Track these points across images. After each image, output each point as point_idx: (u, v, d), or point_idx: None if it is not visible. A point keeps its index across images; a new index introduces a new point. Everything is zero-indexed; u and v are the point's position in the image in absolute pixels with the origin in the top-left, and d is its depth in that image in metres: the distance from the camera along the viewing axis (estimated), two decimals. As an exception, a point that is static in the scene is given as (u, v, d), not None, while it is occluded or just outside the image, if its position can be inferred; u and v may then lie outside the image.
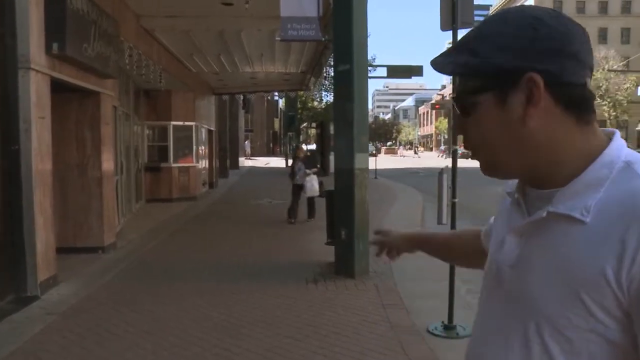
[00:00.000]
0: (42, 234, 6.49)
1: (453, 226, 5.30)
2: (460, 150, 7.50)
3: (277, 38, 8.97)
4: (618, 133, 1.03)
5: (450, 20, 5.06)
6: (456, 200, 5.23)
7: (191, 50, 13.55)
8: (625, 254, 0.88)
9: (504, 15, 1.01)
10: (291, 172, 12.61)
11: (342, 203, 7.29)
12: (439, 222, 5.50)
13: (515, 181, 1.12)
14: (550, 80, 0.94)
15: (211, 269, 7.81)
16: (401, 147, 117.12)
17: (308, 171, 12.09)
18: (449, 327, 5.26)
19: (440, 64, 1.06)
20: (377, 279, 7.12)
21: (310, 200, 12.18)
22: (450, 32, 5.12)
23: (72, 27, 6.81)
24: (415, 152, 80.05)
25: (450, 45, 1.12)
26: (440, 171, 5.27)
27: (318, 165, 12.62)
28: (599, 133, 1.01)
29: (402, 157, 72.52)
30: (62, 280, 6.91)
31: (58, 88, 7.26)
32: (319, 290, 6.70)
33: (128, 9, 10.17)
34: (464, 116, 1.05)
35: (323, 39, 8.78)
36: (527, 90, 0.95)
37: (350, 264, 7.16)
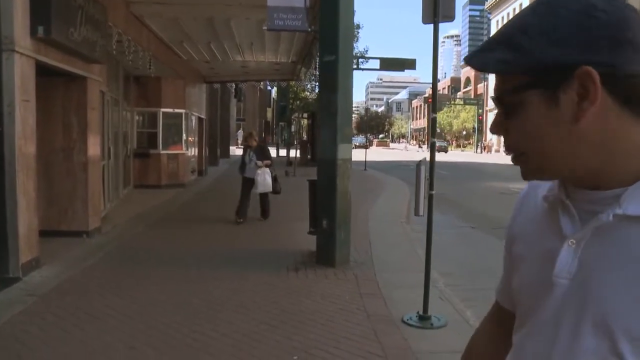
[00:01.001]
0: (25, 216, 6.53)
1: (430, 218, 5.39)
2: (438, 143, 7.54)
3: (263, 27, 8.99)
4: None
5: (431, 14, 5.12)
6: (433, 192, 5.30)
7: (181, 37, 13.54)
8: None
9: (551, 2, 0.90)
10: (241, 163, 11.08)
11: (325, 193, 7.35)
12: (416, 213, 5.57)
13: (550, 183, 1.02)
14: (607, 73, 0.85)
15: (195, 255, 7.87)
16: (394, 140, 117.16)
17: (259, 163, 10.60)
18: (423, 318, 5.34)
19: (479, 61, 0.94)
20: (357, 268, 7.20)
21: (263, 197, 10.93)
22: (447, 27, 5.18)
23: (58, 10, 6.82)
24: (407, 149, 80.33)
25: (486, 39, 0.98)
26: (418, 163, 5.33)
27: (271, 158, 11.07)
28: None
29: (392, 150, 72.73)
30: (45, 263, 6.96)
31: (44, 72, 7.27)
32: (299, 278, 6.78)
33: (117, -5, 10.15)
34: (508, 117, 0.94)
35: (309, 29, 8.82)
36: (580, 87, 0.86)
37: (331, 253, 7.24)
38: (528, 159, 0.94)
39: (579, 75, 0.85)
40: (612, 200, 0.89)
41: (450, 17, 5.11)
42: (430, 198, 5.32)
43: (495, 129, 0.97)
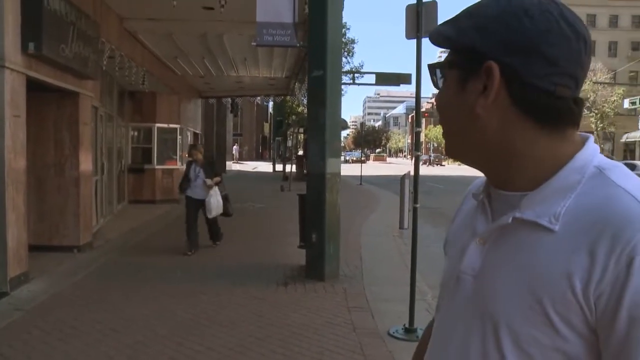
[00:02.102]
0: (14, 231, 6.54)
1: (415, 231, 5.42)
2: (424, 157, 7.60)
3: (252, 43, 9.09)
4: (592, 138, 0.97)
5: (414, 29, 5.19)
6: (418, 205, 5.34)
7: (175, 53, 13.64)
8: (595, 267, 0.81)
9: None
10: (183, 179, 9.28)
11: (314, 207, 7.39)
12: (401, 226, 5.61)
13: (482, 182, 1.06)
14: (510, 76, 0.88)
15: (185, 270, 7.88)
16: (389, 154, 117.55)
17: (208, 181, 8.96)
18: (410, 330, 5.36)
19: (433, 33, 0.98)
20: (346, 282, 7.21)
21: (213, 220, 9.33)
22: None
23: (49, 27, 6.89)
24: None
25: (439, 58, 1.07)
26: (402, 177, 5.37)
27: (221, 174, 9.56)
28: (574, 139, 0.94)
29: (389, 164, 72.91)
30: (34, 278, 6.96)
31: (36, 87, 7.33)
32: (287, 292, 6.79)
33: (111, 11, 10.25)
34: (434, 85, 1.02)
35: (298, 44, 8.90)
36: (484, 79, 0.89)
37: (320, 267, 7.26)
38: (444, 134, 1.01)
39: (485, 68, 0.89)
40: (517, 203, 0.92)
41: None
42: (414, 211, 5.36)
43: (436, 99, 1.03)
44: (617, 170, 0.90)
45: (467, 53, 0.91)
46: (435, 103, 1.01)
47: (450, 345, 1.00)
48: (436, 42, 0.98)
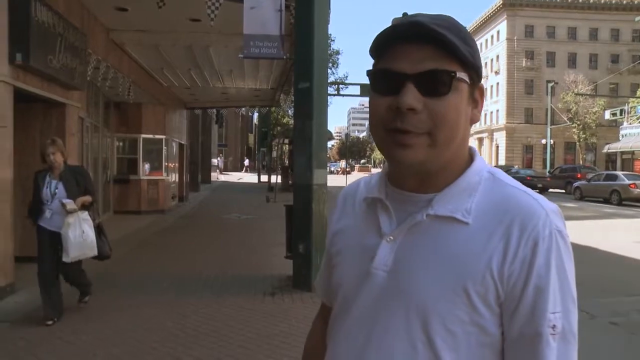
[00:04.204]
0: (0, 242, 6.52)
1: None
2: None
3: (239, 55, 9.15)
4: (475, 148, 1.17)
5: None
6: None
7: (161, 64, 13.67)
8: (509, 249, 0.99)
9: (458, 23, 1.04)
10: (33, 201, 5.91)
11: (300, 218, 7.44)
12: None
13: (375, 186, 1.16)
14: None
15: (172, 280, 7.87)
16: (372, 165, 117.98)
17: (69, 204, 5.67)
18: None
19: (438, 28, 0.98)
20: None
21: (74, 267, 6.02)
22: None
23: (36, 38, 6.91)
24: None
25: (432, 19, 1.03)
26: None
27: (93, 191, 6.20)
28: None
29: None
30: (20, 289, 6.93)
31: (23, 98, 7.34)
32: (275, 302, 6.82)
33: (97, 23, 10.27)
34: (429, 95, 0.99)
35: (285, 57, 8.99)
36: (478, 97, 1.09)
37: (307, 277, 7.30)
38: (431, 141, 1.00)
39: (479, 88, 1.09)
40: (426, 203, 1.07)
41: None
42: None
43: (414, 103, 0.98)
44: (502, 174, 1.10)
45: (476, 71, 1.06)
46: (416, 104, 0.98)
47: (370, 339, 1.07)
48: (453, 48, 0.99)
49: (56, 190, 5.81)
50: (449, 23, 1.02)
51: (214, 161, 37.22)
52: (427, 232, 1.05)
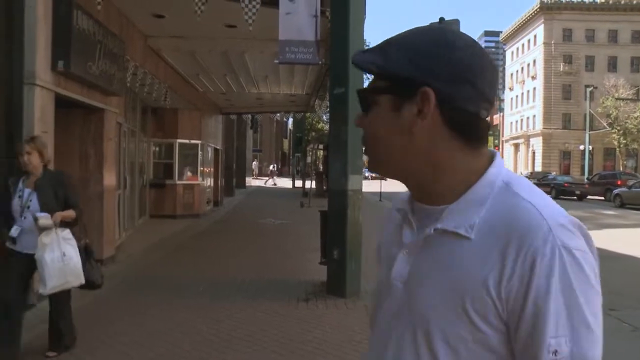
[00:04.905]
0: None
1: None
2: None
3: (275, 61, 9.19)
4: (498, 154, 1.09)
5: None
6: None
7: (197, 70, 13.83)
8: (506, 267, 0.94)
9: (426, 30, 1.07)
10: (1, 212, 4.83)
11: (335, 223, 7.41)
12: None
13: (405, 198, 1.17)
14: (442, 100, 1.00)
15: (207, 284, 7.92)
16: None
17: (42, 219, 4.56)
18: (431, 347, 5.32)
19: (358, 59, 1.08)
20: (367, 299, 7.20)
21: (55, 300, 4.97)
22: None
23: (77, 45, 7.05)
24: None
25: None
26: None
27: (78, 203, 4.99)
28: (485, 154, 1.07)
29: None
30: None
31: (63, 104, 7.49)
32: (309, 308, 6.80)
33: (135, 29, 10.45)
34: (363, 110, 1.09)
35: (320, 62, 8.99)
36: (419, 103, 1.00)
37: (341, 283, 7.27)
38: (370, 152, 1.10)
39: (421, 93, 1.01)
40: (439, 215, 1.04)
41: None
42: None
43: (358, 122, 1.10)
44: (520, 183, 1.03)
45: (401, 80, 1.02)
46: (360, 124, 1.10)
47: (387, 348, 1.10)
48: (364, 68, 1.07)
49: (30, 202, 4.68)
50: (386, 41, 1.08)
51: (254, 164, 37.30)
52: (435, 246, 1.04)
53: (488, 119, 1.07)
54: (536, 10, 64.00)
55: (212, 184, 20.39)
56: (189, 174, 17.09)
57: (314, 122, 38.75)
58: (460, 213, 1.01)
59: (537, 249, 0.93)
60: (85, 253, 4.99)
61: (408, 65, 1.01)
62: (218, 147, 21.47)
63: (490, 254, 0.96)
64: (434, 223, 1.04)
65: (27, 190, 4.73)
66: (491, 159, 1.07)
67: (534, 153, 65.72)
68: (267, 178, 49.75)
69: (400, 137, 1.03)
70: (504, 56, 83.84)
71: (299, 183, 32.67)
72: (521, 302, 0.94)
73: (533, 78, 66.17)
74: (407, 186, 1.12)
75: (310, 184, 25.95)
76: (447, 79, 1.00)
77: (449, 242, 1.01)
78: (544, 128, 62.94)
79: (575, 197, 32.41)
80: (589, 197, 32.77)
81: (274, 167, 53.34)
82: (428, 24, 5.45)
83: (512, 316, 0.95)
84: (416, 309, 1.04)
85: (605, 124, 52.65)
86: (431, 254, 1.04)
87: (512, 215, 0.97)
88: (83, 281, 4.89)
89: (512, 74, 76.25)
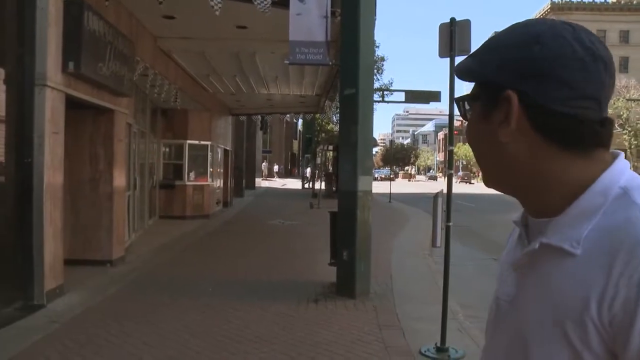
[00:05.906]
0: (51, 245, 6.68)
1: (447, 250, 5.38)
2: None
3: (285, 61, 9.18)
4: (622, 156, 0.96)
5: (447, 48, 5.21)
6: (450, 224, 5.31)
7: (207, 71, 13.85)
8: (608, 289, 0.81)
9: (514, 27, 0.97)
10: None
11: (345, 224, 7.39)
12: (433, 244, 5.58)
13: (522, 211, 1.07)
14: (528, 103, 0.89)
15: (216, 285, 7.92)
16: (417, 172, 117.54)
17: None
18: (441, 350, 5.30)
19: (458, 68, 1.03)
20: (377, 300, 7.18)
21: None
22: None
23: (88, 46, 7.07)
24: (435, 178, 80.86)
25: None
26: (435, 195, 5.36)
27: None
28: (603, 159, 0.93)
29: (417, 182, 72.81)
30: (69, 291, 7.08)
31: (73, 105, 7.51)
32: (318, 309, 6.78)
33: (145, 30, 10.47)
34: (462, 117, 1.04)
35: (330, 63, 8.97)
36: (504, 108, 0.91)
37: (351, 284, 7.24)
38: (478, 164, 1.03)
39: (503, 98, 0.91)
40: (545, 229, 0.94)
41: (466, 51, 5.17)
42: (447, 229, 5.33)
43: (466, 132, 1.05)
44: None
45: (488, 85, 0.94)
46: (466, 135, 1.04)
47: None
48: (462, 76, 1.01)
49: None
50: (483, 44, 1.01)
51: (264, 165, 37.22)
52: (540, 263, 0.94)
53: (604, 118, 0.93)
54: (547, 10, 63.68)
55: (221, 185, 20.41)
56: (192, 175, 17.09)
57: (323, 123, 38.69)
58: (566, 226, 0.90)
59: None
60: None
61: (495, 68, 0.93)
62: (228, 148, 21.50)
63: (594, 271, 0.84)
64: (538, 237, 0.94)
65: None
66: (611, 163, 0.93)
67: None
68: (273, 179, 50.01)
69: (492, 147, 0.95)
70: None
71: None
72: (627, 326, 0.79)
73: (544, 79, 65.92)
74: (519, 200, 1.01)
75: (320, 185, 25.92)
76: (528, 78, 0.89)
77: (553, 258, 0.90)
78: (554, 129, 62.63)
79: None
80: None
81: (278, 168, 53.56)
82: (439, 24, 5.41)
83: (618, 343, 0.81)
84: (519, 333, 0.95)
85: (616, 125, 52.29)
86: (535, 271, 0.94)
87: (624, 229, 0.83)
88: None
89: (522, 75, 75.68)
